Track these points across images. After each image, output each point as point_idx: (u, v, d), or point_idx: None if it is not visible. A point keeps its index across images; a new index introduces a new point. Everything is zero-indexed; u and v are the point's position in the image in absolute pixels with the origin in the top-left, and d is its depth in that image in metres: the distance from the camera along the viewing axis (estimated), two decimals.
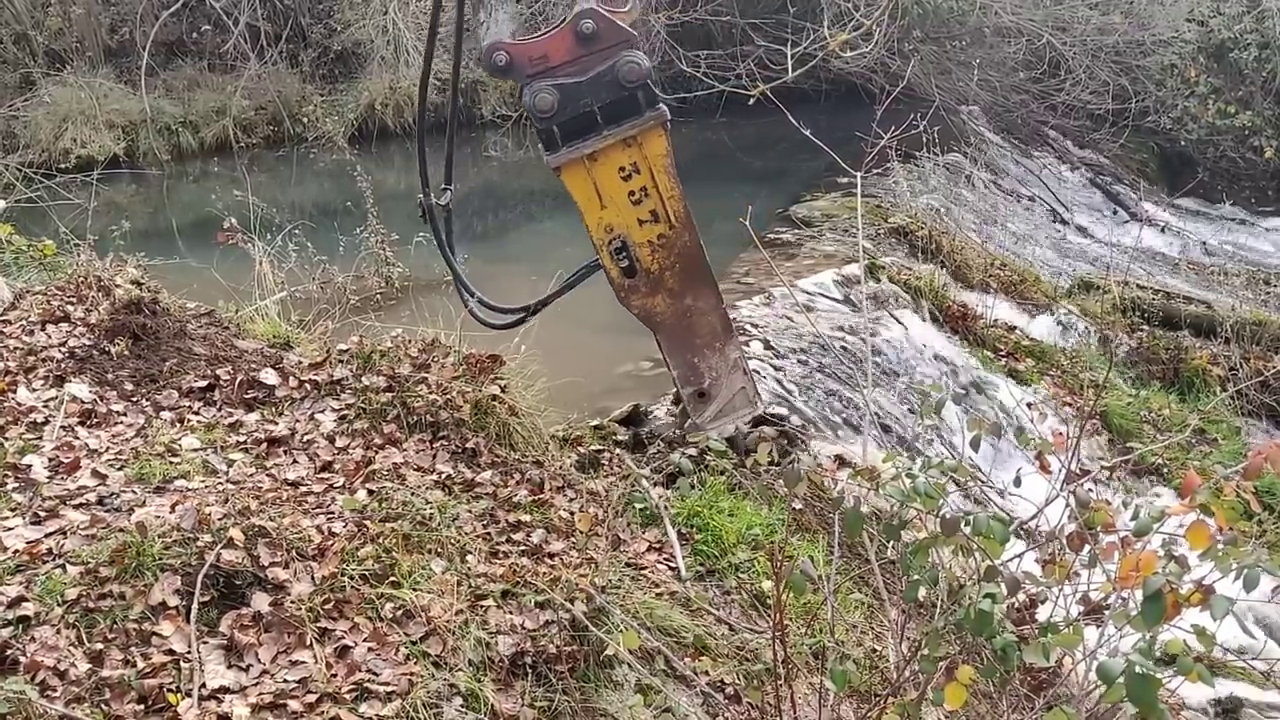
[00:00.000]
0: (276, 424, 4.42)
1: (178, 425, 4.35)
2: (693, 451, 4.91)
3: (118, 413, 4.40)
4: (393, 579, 3.50)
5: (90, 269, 5.55)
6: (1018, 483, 3.26)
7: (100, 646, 3.03)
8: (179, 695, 2.94)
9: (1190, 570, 2.26)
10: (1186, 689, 3.49)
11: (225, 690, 3.00)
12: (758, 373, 6.23)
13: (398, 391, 4.52)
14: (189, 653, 3.06)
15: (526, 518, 4.07)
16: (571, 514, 4.18)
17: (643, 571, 4.10)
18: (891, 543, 2.98)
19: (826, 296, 7.84)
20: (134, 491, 3.77)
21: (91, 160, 12.90)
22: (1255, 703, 4.85)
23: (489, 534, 3.93)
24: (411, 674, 3.16)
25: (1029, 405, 7.33)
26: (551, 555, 3.88)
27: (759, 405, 5.23)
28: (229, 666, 3.09)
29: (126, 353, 4.79)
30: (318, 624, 3.27)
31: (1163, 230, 14.15)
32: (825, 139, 5.04)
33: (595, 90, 4.54)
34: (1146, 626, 2.22)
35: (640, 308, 4.95)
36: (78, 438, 4.17)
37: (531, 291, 5.40)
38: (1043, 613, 2.89)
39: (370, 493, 3.93)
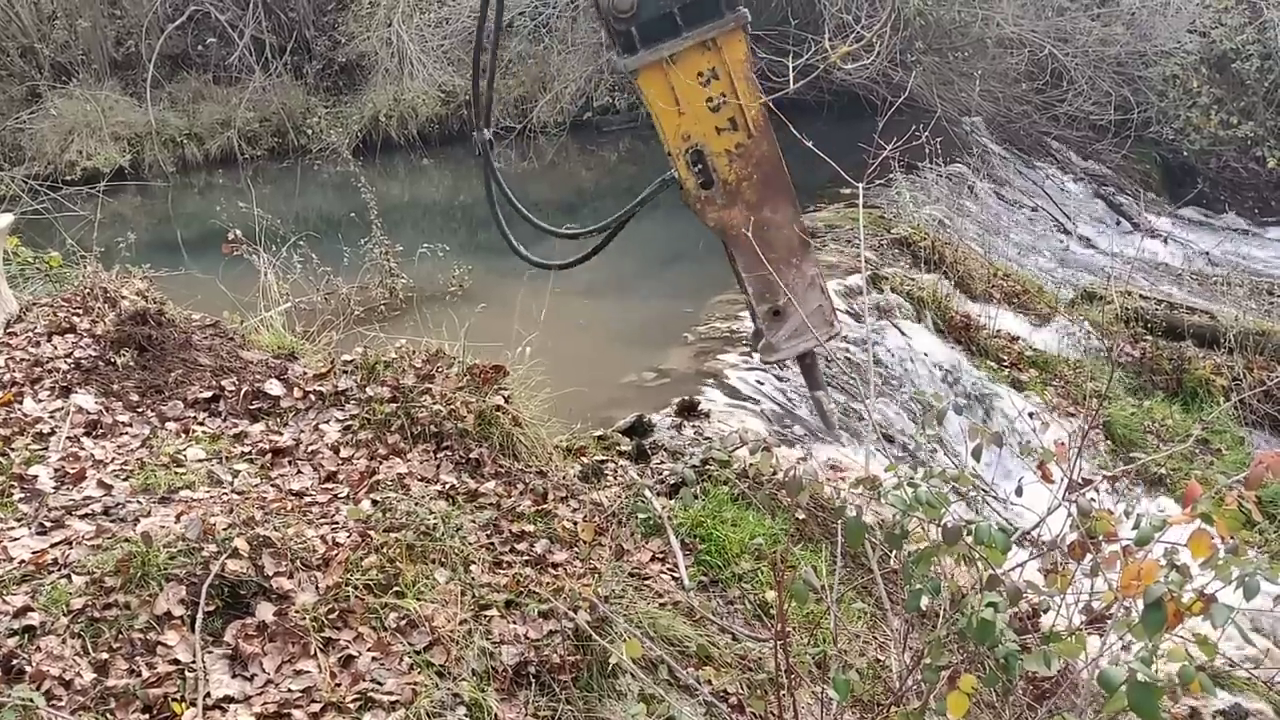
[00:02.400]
0: (281, 434, 4.43)
1: (183, 436, 4.37)
2: (696, 462, 4.91)
3: (123, 423, 4.42)
4: (397, 589, 3.51)
5: (96, 281, 5.58)
6: (1020, 492, 3.27)
7: (105, 656, 3.04)
8: (184, 705, 2.95)
9: (1192, 579, 2.27)
10: (1189, 698, 3.49)
11: (230, 700, 3.01)
12: (760, 383, 6.25)
13: (402, 402, 4.54)
14: (194, 662, 3.07)
15: (530, 528, 4.08)
16: (575, 524, 4.19)
17: (646, 581, 4.10)
18: (894, 552, 2.99)
19: None
20: (139, 502, 3.79)
21: (97, 172, 12.98)
22: (1258, 712, 4.83)
23: (493, 544, 3.93)
24: (415, 683, 3.17)
25: (1031, 415, 7.33)
26: (555, 565, 3.88)
27: (836, 326, 4.96)
28: (234, 676, 3.10)
29: (132, 364, 4.81)
30: (322, 634, 3.28)
31: (1165, 241, 14.12)
32: (827, 150, 5.03)
33: None
34: (1148, 635, 2.23)
35: (715, 220, 4.76)
36: (83, 448, 4.19)
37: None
38: (1045, 621, 2.90)
39: (374, 503, 3.95)
